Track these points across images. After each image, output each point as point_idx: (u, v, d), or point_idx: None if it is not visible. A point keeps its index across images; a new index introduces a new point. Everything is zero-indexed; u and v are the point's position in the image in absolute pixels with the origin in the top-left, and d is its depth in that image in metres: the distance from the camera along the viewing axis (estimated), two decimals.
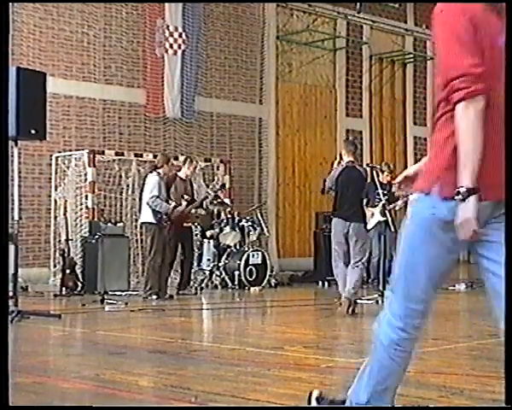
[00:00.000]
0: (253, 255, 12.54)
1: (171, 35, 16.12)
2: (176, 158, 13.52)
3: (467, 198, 2.68)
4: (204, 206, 12.18)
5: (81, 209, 13.50)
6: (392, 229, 10.30)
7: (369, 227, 10.05)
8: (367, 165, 11.69)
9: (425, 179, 2.89)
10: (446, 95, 2.79)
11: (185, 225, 11.39)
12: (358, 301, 9.03)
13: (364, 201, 9.80)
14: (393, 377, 3.05)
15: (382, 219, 10.62)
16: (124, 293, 11.17)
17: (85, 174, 13.54)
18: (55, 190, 13.97)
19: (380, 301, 8.90)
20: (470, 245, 2.88)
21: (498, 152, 2.75)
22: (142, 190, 11.10)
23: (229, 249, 12.66)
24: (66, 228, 12.20)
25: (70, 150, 14.42)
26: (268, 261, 12.77)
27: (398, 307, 3.00)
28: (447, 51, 2.79)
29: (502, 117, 2.77)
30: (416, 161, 21.95)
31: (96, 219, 12.87)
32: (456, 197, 2.70)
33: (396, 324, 2.99)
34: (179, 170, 11.68)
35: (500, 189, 2.75)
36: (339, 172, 9.12)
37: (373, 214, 10.89)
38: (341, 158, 9.35)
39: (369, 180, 10.42)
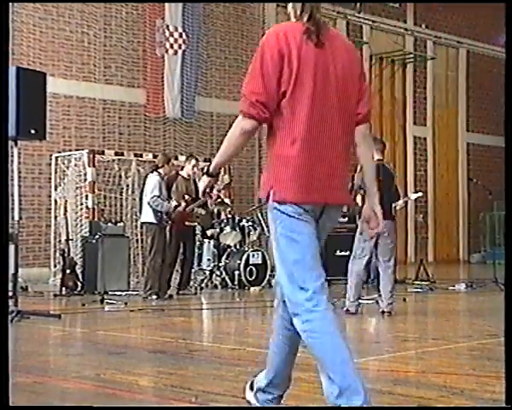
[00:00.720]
0: (253, 255, 12.53)
1: (171, 35, 16.13)
2: (176, 158, 13.52)
3: (204, 175, 3.43)
4: (209, 204, 12.15)
5: (81, 209, 13.51)
6: None
7: None
8: None
9: (263, 188, 3.30)
10: None
11: (188, 224, 11.35)
12: (361, 301, 9.00)
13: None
14: (337, 350, 3.26)
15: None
16: (124, 293, 11.17)
17: (85, 174, 13.55)
18: (55, 189, 13.98)
19: (379, 301, 8.88)
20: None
21: (304, 171, 3.19)
22: (142, 190, 11.09)
23: (229, 249, 12.66)
24: (67, 228, 12.20)
25: (70, 150, 14.44)
26: (268, 261, 12.74)
27: (303, 293, 3.18)
28: (249, 70, 3.28)
29: (312, 153, 3.18)
30: (415, 161, 22.01)
31: (96, 219, 12.87)
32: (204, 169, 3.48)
33: (308, 306, 3.18)
34: (181, 169, 11.65)
35: (302, 194, 3.19)
36: None
37: None
38: None
39: None
